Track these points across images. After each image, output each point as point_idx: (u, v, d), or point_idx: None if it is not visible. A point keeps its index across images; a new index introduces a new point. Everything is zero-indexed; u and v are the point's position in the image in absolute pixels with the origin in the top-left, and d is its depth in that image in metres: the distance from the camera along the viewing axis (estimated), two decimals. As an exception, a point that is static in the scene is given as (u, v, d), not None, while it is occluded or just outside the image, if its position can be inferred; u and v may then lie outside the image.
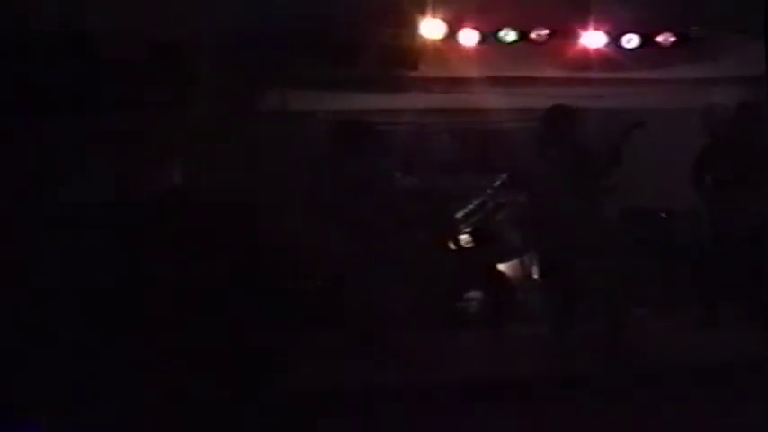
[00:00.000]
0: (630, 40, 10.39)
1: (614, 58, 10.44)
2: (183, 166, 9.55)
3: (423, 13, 9.86)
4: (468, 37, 10.14)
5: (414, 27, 9.94)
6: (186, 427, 6.58)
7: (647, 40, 10.40)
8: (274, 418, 6.72)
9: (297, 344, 7.95)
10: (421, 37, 10.02)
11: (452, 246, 10.01)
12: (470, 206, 10.24)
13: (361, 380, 7.60)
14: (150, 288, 7.99)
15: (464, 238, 10.03)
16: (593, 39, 10.36)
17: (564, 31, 10.32)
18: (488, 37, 10.18)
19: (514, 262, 10.14)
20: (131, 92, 9.16)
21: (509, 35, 10.19)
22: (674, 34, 10.39)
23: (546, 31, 10.23)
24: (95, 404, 6.83)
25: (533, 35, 10.24)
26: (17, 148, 8.80)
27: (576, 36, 10.36)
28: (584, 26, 10.26)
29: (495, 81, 10.10)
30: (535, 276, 9.84)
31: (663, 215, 10.64)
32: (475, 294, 9.80)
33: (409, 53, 10.09)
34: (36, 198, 8.72)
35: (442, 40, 10.09)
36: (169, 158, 9.47)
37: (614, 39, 10.41)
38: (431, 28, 10.00)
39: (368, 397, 7.17)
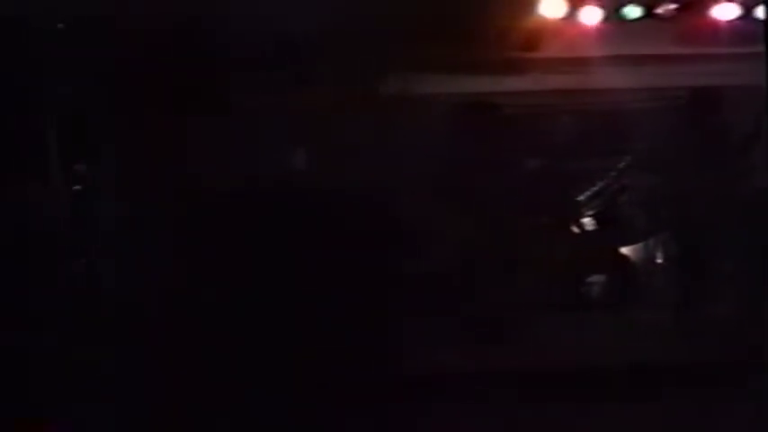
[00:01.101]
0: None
1: (748, 31, 10.02)
2: (307, 153, 9.74)
3: (542, -8, 9.73)
4: (590, 15, 9.94)
5: (533, 7, 9.81)
6: (308, 412, 6.72)
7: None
8: (393, 403, 6.81)
9: (418, 328, 8.03)
10: (541, 17, 9.88)
11: (575, 229, 9.89)
12: (594, 189, 10.08)
13: (481, 364, 7.63)
14: (275, 272, 8.22)
15: (587, 221, 9.90)
16: (724, 11, 9.96)
17: (692, 5, 9.96)
18: (611, 14, 9.95)
19: (638, 245, 9.93)
20: (256, 81, 9.39)
21: (633, 11, 9.92)
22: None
23: (673, 6, 9.90)
24: (222, 381, 7.08)
25: (659, 10, 9.93)
26: (156, 143, 9.18)
27: (705, 9, 9.99)
28: (715, -2, 9.88)
29: (619, 60, 9.87)
30: (659, 260, 9.62)
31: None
32: (598, 278, 9.65)
33: (529, 34, 9.97)
34: (176, 187, 9.08)
35: (562, 19, 9.93)
36: (293, 146, 9.67)
37: (748, 10, 9.98)
38: (551, 7, 9.85)
39: (488, 381, 7.19)
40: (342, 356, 7.23)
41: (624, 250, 9.88)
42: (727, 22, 9.96)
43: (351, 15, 9.27)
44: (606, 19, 9.94)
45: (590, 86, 10.24)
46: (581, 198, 10.03)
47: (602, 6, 9.88)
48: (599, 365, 7.42)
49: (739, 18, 9.92)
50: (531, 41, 9.99)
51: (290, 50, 9.41)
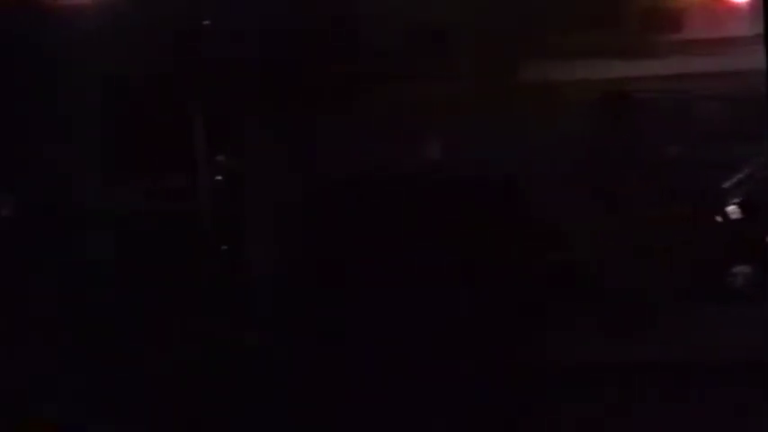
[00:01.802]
0: None
1: None
2: (444, 141, 9.78)
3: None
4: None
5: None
6: (460, 403, 6.79)
7: None
8: (533, 394, 6.84)
9: (558, 319, 8.03)
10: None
11: (719, 218, 9.65)
12: (739, 176, 9.80)
13: (622, 354, 7.59)
14: (415, 261, 8.34)
15: (731, 209, 9.64)
16: None
17: None
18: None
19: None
20: (397, 73, 9.46)
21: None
22: None
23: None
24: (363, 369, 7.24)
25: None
26: (299, 135, 9.39)
27: None
28: None
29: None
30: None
31: None
32: (742, 269, 9.42)
33: (673, 14, 9.71)
34: (317, 177, 9.30)
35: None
36: (432, 134, 9.72)
37: None
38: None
39: (629, 371, 7.16)
40: (482, 349, 7.31)
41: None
42: None
43: (491, 5, 9.25)
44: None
45: (737, 69, 9.93)
46: (725, 186, 9.78)
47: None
48: (741, 358, 7.28)
49: None
50: (675, 22, 9.74)
51: (431, 41, 9.46)
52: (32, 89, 9.13)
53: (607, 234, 8.77)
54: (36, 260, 8.81)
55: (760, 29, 9.63)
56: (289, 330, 8.15)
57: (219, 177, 9.19)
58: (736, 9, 9.67)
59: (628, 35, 9.73)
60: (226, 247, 9.26)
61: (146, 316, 8.27)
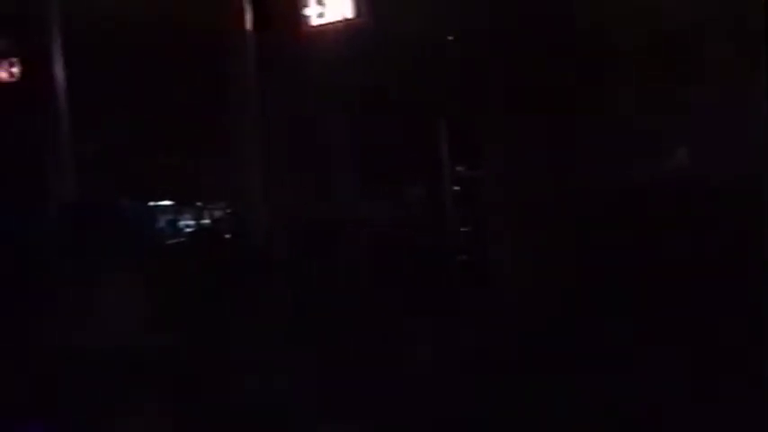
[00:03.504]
0: None
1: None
2: (690, 150, 9.53)
3: None
4: None
5: None
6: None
7: None
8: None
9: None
10: None
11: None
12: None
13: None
14: (662, 269, 8.18)
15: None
16: None
17: None
18: None
19: None
20: (635, 79, 9.35)
21: None
22: None
23: None
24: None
25: None
26: (538, 144, 9.49)
27: None
28: None
29: None
30: None
31: None
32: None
33: None
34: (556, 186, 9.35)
35: None
36: (679, 143, 9.50)
37: None
38: None
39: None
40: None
41: None
42: None
43: (722, 9, 8.94)
44: None
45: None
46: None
47: None
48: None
49: None
50: None
51: (668, 47, 9.27)
52: (298, 104, 9.93)
53: None
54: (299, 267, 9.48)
55: None
56: (536, 338, 8.15)
57: (457, 187, 9.54)
58: None
59: None
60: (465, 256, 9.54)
61: (392, 320, 8.65)
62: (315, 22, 9.36)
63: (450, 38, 9.54)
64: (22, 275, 6.90)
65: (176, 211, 12.56)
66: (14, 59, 10.14)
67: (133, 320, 6.15)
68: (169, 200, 12.78)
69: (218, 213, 12.58)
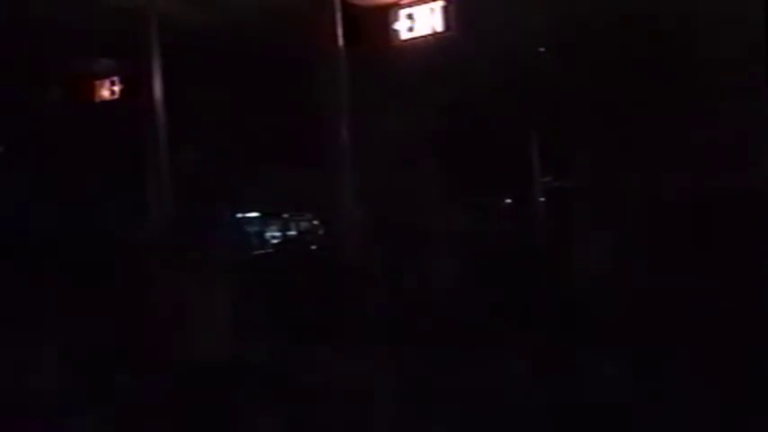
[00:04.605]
0: None
1: None
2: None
3: None
4: None
5: None
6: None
7: None
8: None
9: None
10: None
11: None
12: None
13: None
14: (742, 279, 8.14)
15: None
16: None
17: None
18: None
19: None
20: (727, 86, 9.30)
21: None
22: None
23: None
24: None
25: None
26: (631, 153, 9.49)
27: None
28: None
29: None
30: None
31: None
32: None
33: None
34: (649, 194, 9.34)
35: None
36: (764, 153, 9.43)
37: None
38: None
39: None
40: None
41: None
42: None
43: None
44: None
45: None
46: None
47: None
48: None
49: None
50: None
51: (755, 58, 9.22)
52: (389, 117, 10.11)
53: None
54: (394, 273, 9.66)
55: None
56: (633, 350, 8.12)
57: (542, 199, 9.60)
58: None
59: None
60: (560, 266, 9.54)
61: (481, 327, 8.71)
62: (405, 36, 9.51)
63: (540, 50, 9.63)
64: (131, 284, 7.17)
65: (269, 221, 12.84)
66: (116, 79, 10.61)
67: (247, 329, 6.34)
68: (265, 210, 13.08)
69: (313, 224, 12.79)
